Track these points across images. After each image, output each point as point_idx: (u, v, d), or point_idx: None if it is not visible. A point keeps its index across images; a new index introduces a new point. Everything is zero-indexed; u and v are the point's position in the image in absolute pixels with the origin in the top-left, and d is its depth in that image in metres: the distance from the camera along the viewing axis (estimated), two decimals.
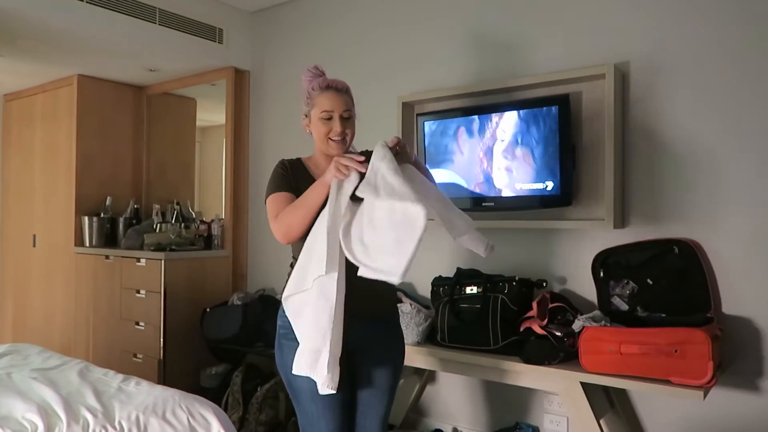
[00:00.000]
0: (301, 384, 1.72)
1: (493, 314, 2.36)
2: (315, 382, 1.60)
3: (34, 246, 4.24)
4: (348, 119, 1.77)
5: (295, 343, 1.66)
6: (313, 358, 1.56)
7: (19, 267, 4.39)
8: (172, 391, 2.14)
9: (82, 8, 2.99)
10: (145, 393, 2.10)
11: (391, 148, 1.63)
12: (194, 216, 3.98)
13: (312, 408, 1.75)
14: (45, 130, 4.19)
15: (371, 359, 1.79)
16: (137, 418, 1.92)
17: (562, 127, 2.42)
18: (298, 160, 1.87)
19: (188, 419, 1.99)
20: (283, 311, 1.72)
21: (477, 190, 2.64)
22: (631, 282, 2.31)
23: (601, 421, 2.17)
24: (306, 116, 1.81)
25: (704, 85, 2.24)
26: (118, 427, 1.87)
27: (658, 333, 1.98)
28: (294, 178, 1.79)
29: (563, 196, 2.43)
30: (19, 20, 2.91)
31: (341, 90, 1.78)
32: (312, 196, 1.67)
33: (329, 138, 1.76)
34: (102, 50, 3.42)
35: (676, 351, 1.93)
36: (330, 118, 1.75)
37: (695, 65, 2.26)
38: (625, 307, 2.30)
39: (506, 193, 2.58)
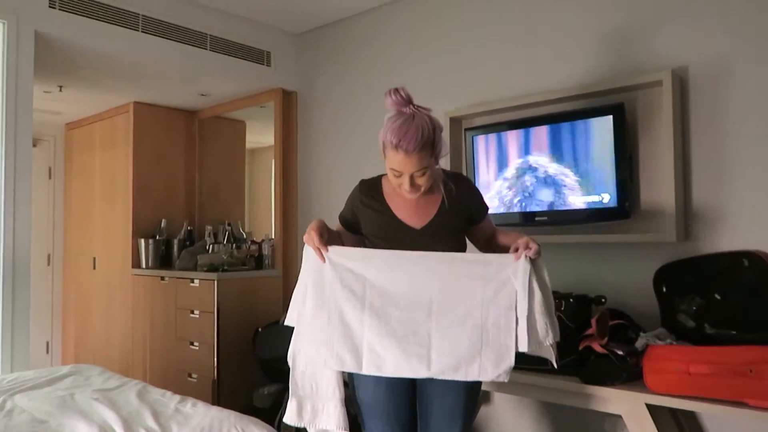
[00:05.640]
0: (363, 398, 1.73)
1: None
2: (375, 398, 1.70)
3: (94, 268, 4.39)
4: (422, 176, 1.65)
5: None
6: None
7: (81, 289, 4.55)
8: (228, 412, 2.15)
9: (139, 37, 3.11)
10: (202, 414, 2.11)
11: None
12: (245, 236, 4.03)
13: (372, 424, 1.73)
14: (104, 156, 4.36)
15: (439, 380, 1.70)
16: None
17: (617, 137, 2.34)
18: (378, 179, 1.83)
19: None
20: None
21: (527, 204, 2.57)
22: (697, 297, 2.19)
23: None
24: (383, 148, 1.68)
25: None
26: None
27: (730, 351, 1.87)
28: (361, 201, 1.79)
29: (621, 209, 2.34)
30: (81, 51, 3.06)
31: (412, 151, 1.59)
32: None
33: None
34: (157, 77, 3.54)
35: (751, 371, 1.81)
36: (400, 175, 1.66)
37: (761, 69, 2.14)
38: (691, 324, 2.18)
39: (560, 206, 2.50)
